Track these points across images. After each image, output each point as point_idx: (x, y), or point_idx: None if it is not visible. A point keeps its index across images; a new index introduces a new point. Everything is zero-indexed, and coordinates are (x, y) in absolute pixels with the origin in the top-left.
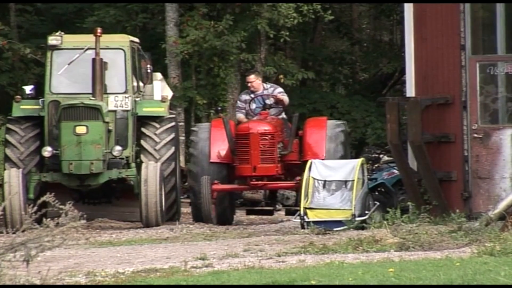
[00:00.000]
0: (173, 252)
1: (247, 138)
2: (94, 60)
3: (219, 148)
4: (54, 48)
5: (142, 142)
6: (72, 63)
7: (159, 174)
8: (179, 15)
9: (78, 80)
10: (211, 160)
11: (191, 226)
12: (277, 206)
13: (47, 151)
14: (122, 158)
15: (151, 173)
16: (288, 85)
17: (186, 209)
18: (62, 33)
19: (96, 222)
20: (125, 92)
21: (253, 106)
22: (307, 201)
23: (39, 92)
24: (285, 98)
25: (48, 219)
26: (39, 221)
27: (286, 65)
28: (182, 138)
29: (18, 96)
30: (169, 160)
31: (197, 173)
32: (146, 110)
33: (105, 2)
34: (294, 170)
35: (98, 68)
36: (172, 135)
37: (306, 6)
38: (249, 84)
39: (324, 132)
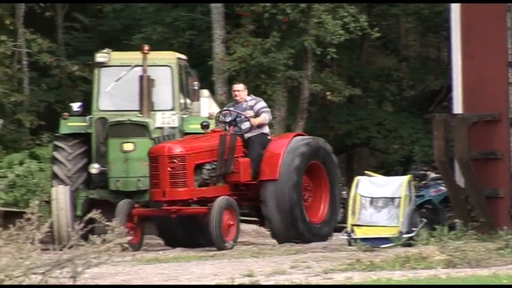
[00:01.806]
0: (220, 269)
1: (156, 161)
2: (141, 77)
3: None
4: (102, 65)
5: None
6: (120, 80)
7: None
8: (226, 32)
9: (125, 97)
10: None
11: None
12: None
13: (94, 168)
14: None
15: None
16: (335, 102)
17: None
18: (110, 50)
19: (143, 239)
20: (172, 109)
21: (228, 119)
22: (354, 218)
23: (86, 109)
24: (264, 117)
25: (95, 236)
26: (85, 238)
27: (333, 82)
28: None
29: (66, 113)
30: None
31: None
32: (193, 127)
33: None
34: (252, 191)
35: (145, 85)
36: None
37: (353, 23)
38: (235, 93)
39: (282, 151)
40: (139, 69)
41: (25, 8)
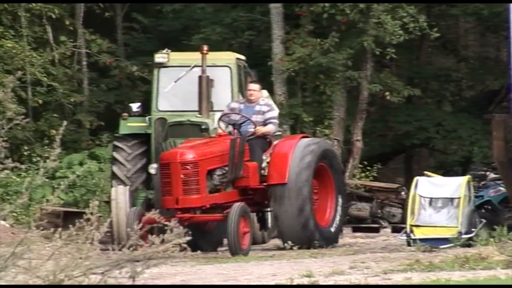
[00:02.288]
0: (279, 270)
1: (167, 168)
2: (200, 77)
3: None
4: (161, 65)
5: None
6: (179, 81)
7: None
8: (285, 33)
9: (185, 97)
10: None
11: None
12: (383, 223)
13: (153, 168)
14: None
15: None
16: (394, 102)
17: None
18: (169, 50)
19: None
20: None
21: (237, 117)
22: (413, 219)
23: (145, 109)
24: (271, 128)
25: (154, 236)
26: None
27: (392, 82)
28: None
29: (125, 114)
30: None
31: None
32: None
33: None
34: (264, 195)
35: (205, 85)
36: None
37: (413, 23)
38: (251, 93)
39: (290, 153)
40: (198, 69)
41: (85, 9)
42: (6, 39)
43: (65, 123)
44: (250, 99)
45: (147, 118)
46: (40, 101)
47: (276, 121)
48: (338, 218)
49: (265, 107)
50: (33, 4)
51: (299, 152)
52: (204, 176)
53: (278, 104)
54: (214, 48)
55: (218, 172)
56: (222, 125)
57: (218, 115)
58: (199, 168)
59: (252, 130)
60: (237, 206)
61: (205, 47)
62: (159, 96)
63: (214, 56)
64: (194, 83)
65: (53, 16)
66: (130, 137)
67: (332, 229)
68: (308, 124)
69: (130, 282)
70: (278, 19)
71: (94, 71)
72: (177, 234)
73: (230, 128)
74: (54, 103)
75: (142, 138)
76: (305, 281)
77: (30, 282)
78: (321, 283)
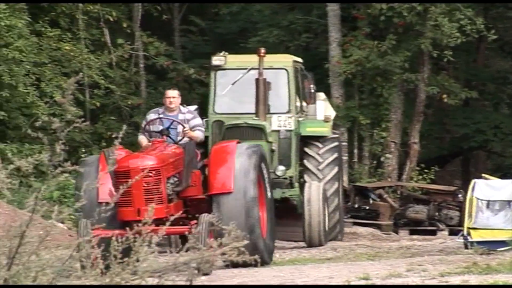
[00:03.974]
0: (336, 272)
1: (127, 176)
2: (257, 80)
3: (110, 185)
4: (218, 68)
5: (305, 161)
6: (236, 83)
7: (322, 194)
8: (342, 35)
9: (242, 100)
10: (100, 200)
11: (354, 246)
12: (440, 226)
13: None
14: (286, 178)
15: (314, 193)
16: (451, 105)
17: (349, 229)
18: (226, 53)
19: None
20: (288, 112)
21: (159, 127)
22: (470, 221)
23: (203, 112)
24: (199, 134)
25: (212, 239)
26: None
27: (449, 84)
28: (345, 158)
29: None
30: (332, 180)
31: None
32: (309, 130)
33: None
34: (201, 206)
35: (262, 88)
36: (335, 155)
37: (470, 26)
38: (170, 100)
39: (233, 159)
40: (255, 72)
41: (142, 11)
42: (64, 42)
43: (124, 126)
44: (169, 107)
45: (204, 120)
46: (98, 104)
47: (202, 128)
48: (271, 227)
49: (188, 115)
50: (91, 7)
51: (241, 157)
52: (165, 184)
53: (335, 106)
54: (271, 50)
55: (171, 181)
56: (143, 138)
57: (275, 117)
58: (161, 175)
59: (181, 134)
60: (204, 217)
61: (262, 50)
62: (216, 98)
63: (271, 59)
64: (251, 86)
65: (111, 19)
66: None
67: (268, 241)
68: (365, 126)
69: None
70: (335, 22)
71: (151, 74)
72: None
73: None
74: (112, 106)
75: None
76: (362, 283)
77: (87, 284)
78: (378, 285)
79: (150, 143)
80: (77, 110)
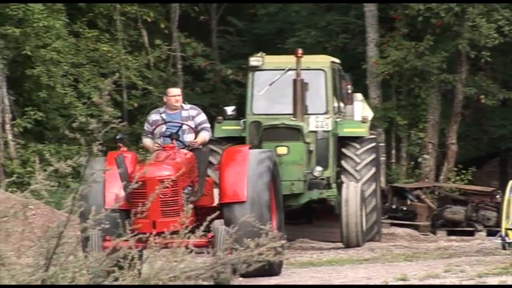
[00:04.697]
0: (374, 273)
1: (142, 186)
2: (295, 81)
3: (117, 190)
4: (255, 69)
5: (343, 162)
6: (273, 84)
7: (359, 195)
8: (379, 36)
9: (279, 100)
10: (106, 206)
11: (391, 247)
12: (478, 226)
13: None
14: (323, 179)
15: (351, 194)
16: (489, 106)
17: (386, 230)
18: (263, 54)
19: (297, 242)
20: (326, 113)
21: (163, 128)
22: (508, 222)
23: (240, 112)
24: (206, 136)
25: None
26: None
27: (487, 85)
28: (382, 158)
29: (220, 117)
30: (369, 180)
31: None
32: (347, 130)
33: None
34: (210, 214)
35: (299, 89)
36: (373, 156)
37: (508, 26)
38: (176, 98)
39: (245, 166)
40: (292, 72)
41: (180, 12)
42: (101, 42)
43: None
44: (174, 106)
45: (241, 121)
46: (135, 104)
47: (208, 125)
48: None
49: (192, 111)
50: (129, 8)
51: (254, 164)
52: (181, 194)
53: (373, 107)
54: (308, 51)
55: (186, 191)
56: (149, 141)
57: (312, 118)
58: (177, 185)
59: (192, 137)
60: (222, 229)
61: (300, 51)
62: (254, 99)
63: (309, 60)
64: (288, 86)
65: (148, 20)
66: (225, 140)
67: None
68: (402, 127)
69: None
70: (373, 22)
71: (189, 75)
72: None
73: (160, 141)
74: (149, 106)
75: (237, 141)
76: (400, 284)
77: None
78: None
79: (157, 147)
80: (114, 111)
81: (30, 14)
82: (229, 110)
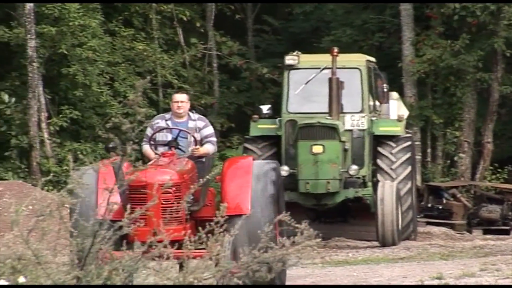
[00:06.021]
0: (410, 272)
1: (142, 192)
2: (330, 79)
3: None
4: (291, 67)
5: (378, 161)
6: (309, 83)
7: (395, 193)
8: (415, 34)
9: (315, 99)
10: (99, 217)
11: (427, 245)
12: None
13: (284, 170)
14: (359, 177)
15: (387, 192)
16: None
17: (422, 229)
18: (299, 52)
19: (332, 241)
20: (362, 111)
21: (168, 137)
22: None
23: (275, 111)
24: (210, 149)
25: (284, 238)
26: (274, 240)
27: None
28: (418, 157)
29: (256, 116)
30: (405, 179)
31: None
32: (383, 129)
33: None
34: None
35: (335, 87)
36: (409, 154)
37: None
38: (178, 105)
39: (249, 178)
40: (328, 71)
41: (216, 11)
42: (137, 41)
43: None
44: (177, 113)
45: (277, 120)
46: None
47: (214, 139)
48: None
49: (200, 122)
50: (164, 7)
51: (258, 175)
52: (183, 201)
53: (408, 105)
54: (344, 50)
55: (190, 198)
56: (149, 148)
57: (348, 117)
58: (180, 191)
59: (192, 146)
60: (228, 240)
61: (335, 49)
62: (289, 98)
63: (344, 58)
64: (324, 85)
65: (184, 18)
66: (261, 139)
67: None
68: (438, 126)
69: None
70: (409, 21)
71: (225, 73)
72: (307, 236)
73: (161, 149)
74: None
75: (272, 140)
76: (436, 283)
77: (160, 283)
78: (452, 285)
79: (158, 156)
80: (150, 110)
81: (66, 13)
82: (265, 108)
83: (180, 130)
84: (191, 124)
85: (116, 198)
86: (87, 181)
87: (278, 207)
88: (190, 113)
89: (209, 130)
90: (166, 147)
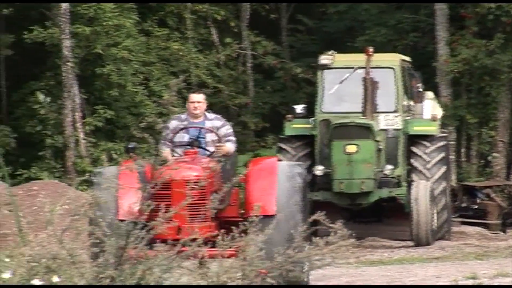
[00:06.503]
0: (444, 271)
1: (167, 188)
2: (365, 79)
3: (131, 200)
4: (325, 67)
5: (413, 161)
6: (343, 82)
7: (430, 193)
8: (450, 34)
9: (349, 99)
10: (119, 217)
11: (462, 245)
12: None
13: (318, 170)
14: (393, 177)
15: (421, 192)
16: None
17: (457, 228)
18: (333, 52)
19: (367, 241)
20: (396, 111)
21: (185, 137)
22: None
23: (310, 111)
24: (231, 148)
25: (319, 238)
26: (309, 240)
27: None
28: (453, 157)
29: (290, 115)
30: (440, 179)
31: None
32: (417, 129)
33: None
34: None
35: (369, 87)
36: (443, 154)
37: None
38: (195, 105)
39: (275, 178)
40: (362, 71)
41: (250, 11)
42: (172, 41)
43: (231, 124)
44: (194, 114)
45: (311, 119)
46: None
47: (233, 138)
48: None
49: (217, 122)
50: (199, 6)
51: (284, 177)
52: (209, 199)
53: (443, 105)
54: (378, 49)
55: (212, 197)
56: (166, 149)
57: (382, 116)
58: (206, 188)
59: (213, 148)
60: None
61: (370, 49)
62: (324, 97)
63: (379, 58)
64: (358, 85)
65: (219, 18)
66: (295, 138)
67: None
68: (473, 125)
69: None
70: (443, 20)
71: (259, 73)
72: (341, 236)
73: (180, 151)
74: (220, 105)
75: (307, 140)
76: (470, 283)
77: (194, 283)
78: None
79: (179, 156)
80: (184, 110)
81: (101, 13)
82: (299, 108)
83: (200, 130)
84: (208, 123)
85: (129, 197)
86: (110, 181)
87: (303, 208)
88: (207, 113)
89: (227, 129)
90: (189, 146)
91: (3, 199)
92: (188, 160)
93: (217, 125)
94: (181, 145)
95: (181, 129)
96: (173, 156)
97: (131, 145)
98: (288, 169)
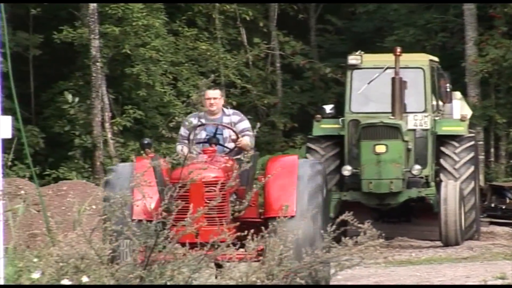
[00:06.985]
0: (473, 271)
1: (185, 190)
2: (393, 79)
3: (146, 199)
4: (354, 67)
5: (441, 161)
6: (372, 82)
7: (458, 193)
8: (478, 34)
9: (378, 99)
10: (134, 217)
11: (490, 245)
12: None
13: (347, 170)
14: (422, 177)
15: (450, 192)
16: None
17: (485, 228)
18: (362, 52)
19: (395, 241)
20: (425, 111)
21: (203, 134)
22: None
23: (338, 111)
24: (248, 142)
25: (347, 238)
26: (338, 240)
27: None
28: (481, 157)
29: (319, 115)
30: (468, 179)
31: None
32: (446, 129)
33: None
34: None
35: (398, 87)
36: (472, 154)
37: None
38: (211, 102)
39: (294, 177)
40: (391, 71)
41: (279, 11)
42: (201, 41)
43: (258, 124)
44: (211, 110)
45: (340, 119)
46: (234, 103)
47: (251, 132)
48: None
49: (234, 117)
50: (227, 6)
51: (305, 176)
52: (228, 201)
53: (471, 105)
54: (407, 49)
55: (231, 199)
56: (185, 148)
57: (411, 116)
58: (225, 190)
59: (233, 144)
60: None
61: (398, 49)
62: (352, 97)
63: (407, 58)
64: (387, 85)
65: (247, 18)
66: (324, 138)
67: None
68: (501, 125)
69: (323, 283)
70: (472, 21)
71: (288, 73)
72: (370, 236)
73: (198, 149)
74: (248, 105)
75: (335, 140)
76: (499, 283)
77: (223, 283)
78: None
79: (197, 154)
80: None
81: (130, 13)
82: (328, 108)
83: (218, 127)
84: (225, 119)
85: (155, 196)
86: (121, 180)
87: (323, 208)
88: (224, 109)
89: (245, 124)
90: (206, 144)
91: (32, 199)
92: (206, 160)
93: (234, 120)
94: (199, 142)
95: (199, 125)
96: (191, 153)
97: (146, 140)
98: (308, 167)
